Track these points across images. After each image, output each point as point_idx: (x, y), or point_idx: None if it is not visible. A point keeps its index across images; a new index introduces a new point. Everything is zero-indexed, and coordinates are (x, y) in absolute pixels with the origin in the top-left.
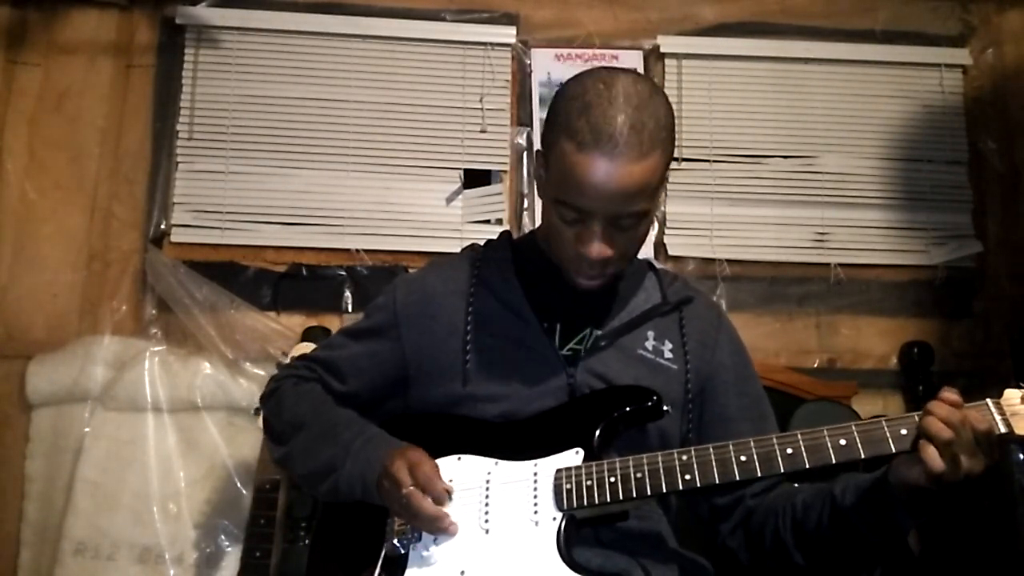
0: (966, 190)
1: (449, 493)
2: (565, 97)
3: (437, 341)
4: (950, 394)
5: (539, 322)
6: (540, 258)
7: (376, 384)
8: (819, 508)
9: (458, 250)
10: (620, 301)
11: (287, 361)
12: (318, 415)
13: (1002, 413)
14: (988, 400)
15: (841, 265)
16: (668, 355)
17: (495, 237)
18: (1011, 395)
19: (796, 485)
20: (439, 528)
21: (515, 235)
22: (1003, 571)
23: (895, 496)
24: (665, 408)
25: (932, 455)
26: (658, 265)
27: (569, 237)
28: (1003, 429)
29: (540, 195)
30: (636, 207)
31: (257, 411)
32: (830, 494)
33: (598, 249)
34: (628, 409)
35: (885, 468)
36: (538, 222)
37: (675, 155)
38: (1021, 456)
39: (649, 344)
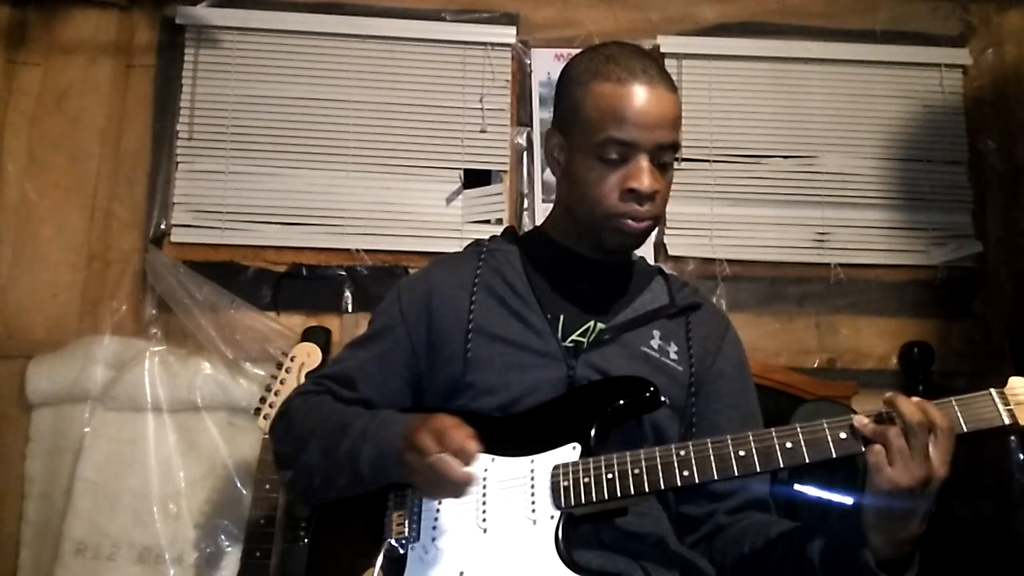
0: (966, 190)
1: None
2: (580, 63)
3: (441, 333)
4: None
5: (542, 312)
6: (547, 249)
7: (388, 387)
8: (783, 551)
9: (458, 250)
10: (627, 297)
11: (287, 362)
12: (329, 419)
13: (1006, 403)
14: (991, 390)
15: (841, 265)
16: (673, 357)
17: (499, 233)
18: (1017, 384)
19: (771, 517)
20: (464, 492)
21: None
22: (1003, 571)
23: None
24: (663, 399)
25: (879, 458)
26: (668, 271)
27: (613, 183)
28: (1006, 421)
29: (560, 172)
30: (674, 137)
31: (257, 411)
32: (801, 546)
33: (649, 181)
34: (623, 402)
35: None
36: (538, 222)
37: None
38: (1021, 456)
39: (655, 343)
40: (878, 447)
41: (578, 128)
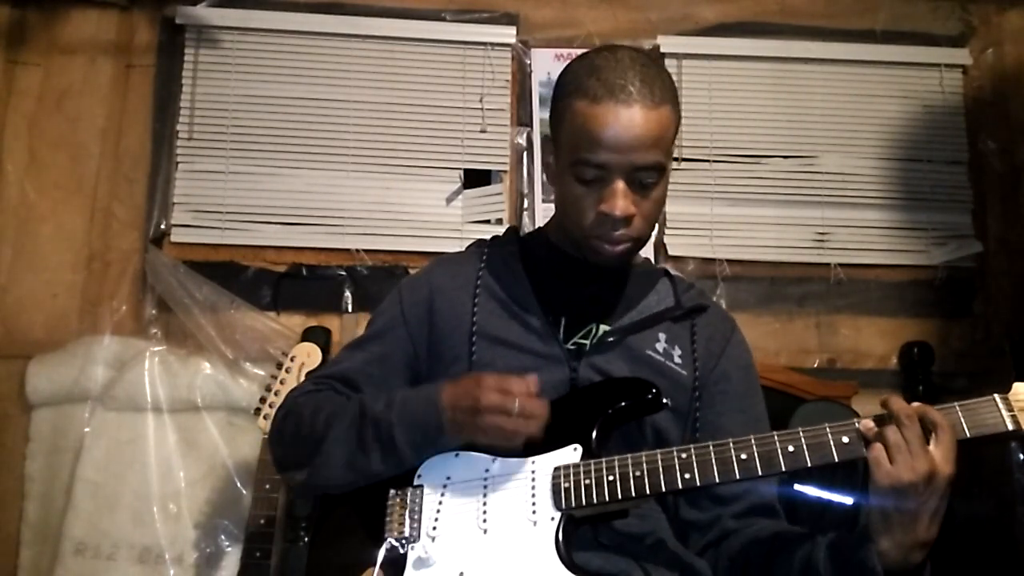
0: (966, 190)
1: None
2: (570, 70)
3: (444, 336)
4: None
5: (544, 315)
6: (549, 251)
7: (389, 388)
8: (790, 562)
9: (458, 250)
10: (631, 300)
11: (287, 362)
12: (345, 409)
13: (1010, 409)
14: (995, 396)
15: (841, 265)
16: (678, 360)
17: (501, 234)
18: (1021, 389)
19: (777, 524)
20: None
21: None
22: (1003, 571)
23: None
24: (665, 401)
25: (879, 453)
26: (674, 273)
27: (589, 203)
28: (1010, 427)
29: (552, 181)
30: (652, 158)
31: (257, 411)
32: (809, 553)
33: (623, 205)
34: (625, 403)
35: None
36: (538, 222)
37: (675, 155)
38: (1021, 456)
39: (660, 346)
40: (878, 445)
41: (560, 142)
